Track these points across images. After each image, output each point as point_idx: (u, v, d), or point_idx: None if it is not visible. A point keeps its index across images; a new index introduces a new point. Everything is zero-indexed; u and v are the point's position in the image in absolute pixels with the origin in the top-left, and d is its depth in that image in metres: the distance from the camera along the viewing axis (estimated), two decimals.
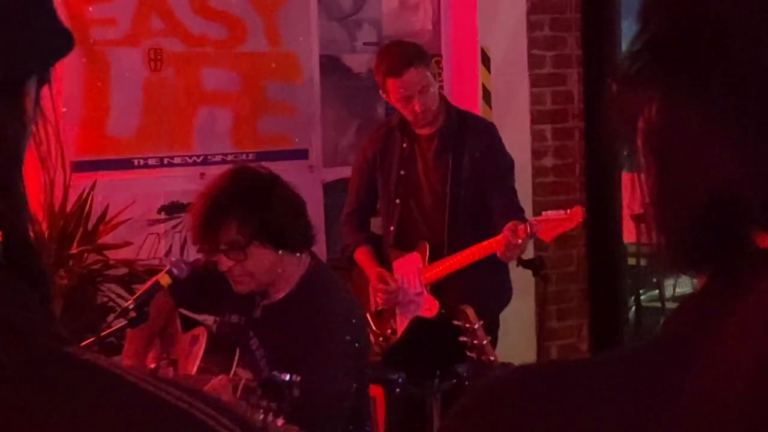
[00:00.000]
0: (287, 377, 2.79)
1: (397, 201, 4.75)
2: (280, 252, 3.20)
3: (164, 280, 3.22)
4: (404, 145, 4.72)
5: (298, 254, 3.26)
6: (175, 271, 3.23)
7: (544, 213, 4.50)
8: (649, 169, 0.74)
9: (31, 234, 0.76)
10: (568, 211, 4.44)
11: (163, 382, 0.75)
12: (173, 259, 4.24)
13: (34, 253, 0.76)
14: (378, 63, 4.65)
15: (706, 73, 0.71)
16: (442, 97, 4.77)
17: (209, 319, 3.52)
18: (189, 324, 3.53)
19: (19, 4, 0.76)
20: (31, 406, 0.70)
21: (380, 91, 4.67)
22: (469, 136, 4.65)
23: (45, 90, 0.81)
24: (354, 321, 3.24)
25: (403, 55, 4.55)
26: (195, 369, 3.30)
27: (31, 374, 0.71)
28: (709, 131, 0.70)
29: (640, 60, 0.74)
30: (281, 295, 3.27)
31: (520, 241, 4.30)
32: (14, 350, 0.69)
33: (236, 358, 3.28)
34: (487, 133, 4.72)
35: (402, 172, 4.73)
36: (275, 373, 2.82)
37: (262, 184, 3.22)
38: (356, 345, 3.20)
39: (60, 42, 0.80)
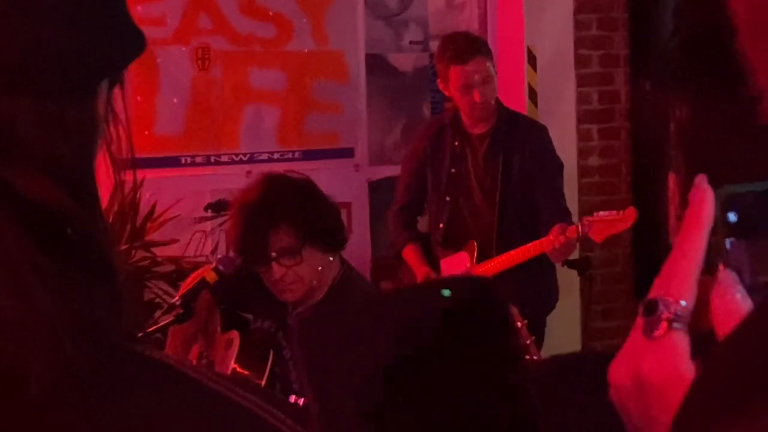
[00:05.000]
0: (292, 399, 2.73)
1: (447, 198, 4.73)
2: (327, 254, 3.17)
3: (210, 276, 3.23)
4: (456, 143, 4.71)
5: (331, 257, 3.22)
6: (221, 267, 3.25)
7: (596, 213, 4.43)
8: (680, 169, 0.74)
9: (103, 233, 0.77)
10: (621, 211, 4.40)
11: (229, 381, 0.75)
12: (219, 256, 4.27)
13: (104, 252, 0.77)
14: (442, 50, 4.61)
15: (734, 75, 0.70)
16: (495, 98, 4.75)
17: (247, 318, 3.51)
18: (228, 323, 3.54)
19: (97, 5, 0.76)
20: (96, 401, 0.70)
21: (438, 80, 4.67)
22: (520, 137, 4.63)
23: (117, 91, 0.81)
24: None
25: (471, 43, 4.56)
26: (228, 373, 3.31)
27: (97, 370, 0.71)
28: (736, 132, 0.69)
29: (671, 63, 0.73)
30: (313, 301, 3.23)
31: (572, 240, 4.29)
32: (83, 346, 0.70)
33: (269, 364, 3.26)
34: (538, 135, 4.70)
35: (453, 170, 4.72)
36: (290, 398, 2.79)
37: (302, 188, 3.18)
38: None
39: (134, 44, 0.80)
